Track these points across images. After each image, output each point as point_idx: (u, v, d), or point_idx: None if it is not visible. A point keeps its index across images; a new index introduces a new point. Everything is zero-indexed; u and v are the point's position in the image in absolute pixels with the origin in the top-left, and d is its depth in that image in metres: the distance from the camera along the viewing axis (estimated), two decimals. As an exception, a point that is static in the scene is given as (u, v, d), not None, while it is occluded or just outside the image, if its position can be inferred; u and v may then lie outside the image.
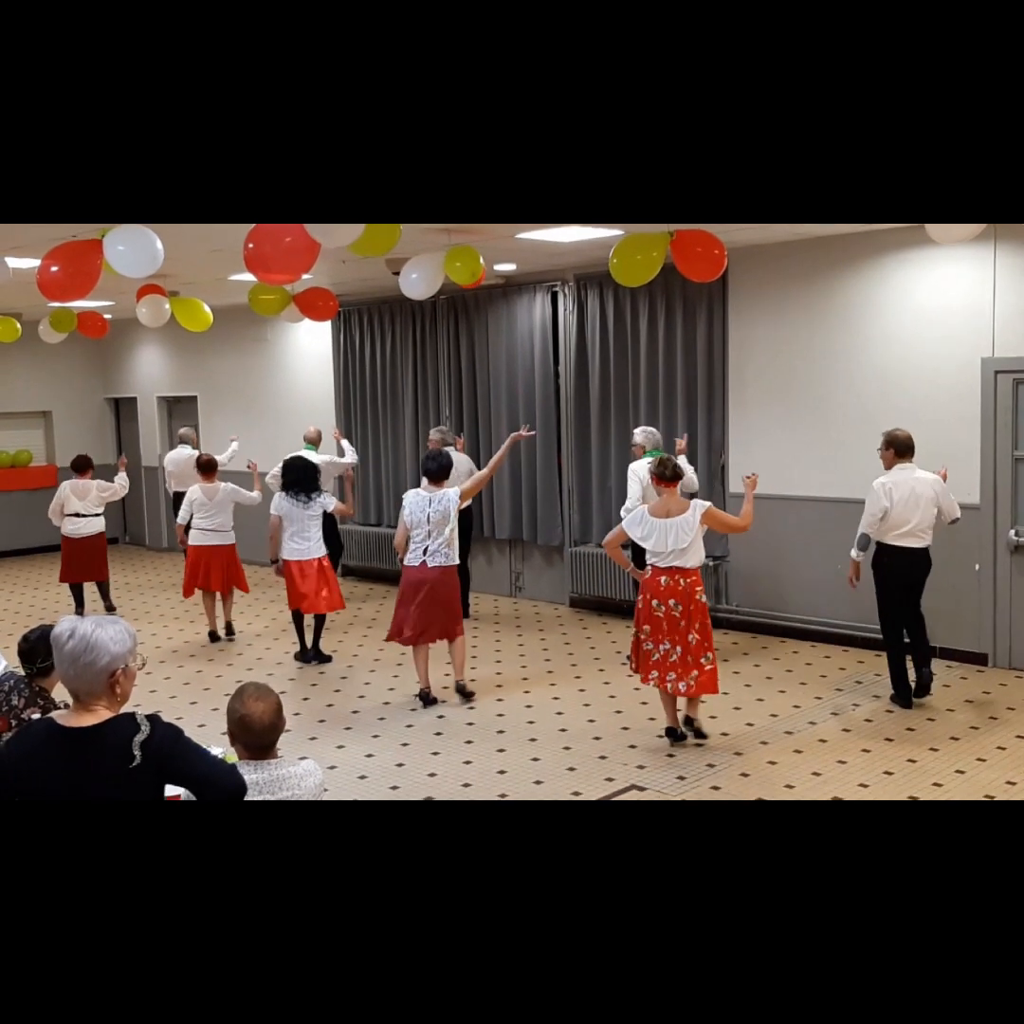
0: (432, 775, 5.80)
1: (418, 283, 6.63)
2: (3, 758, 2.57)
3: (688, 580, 5.88)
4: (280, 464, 8.27)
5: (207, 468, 8.91)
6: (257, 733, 3.04)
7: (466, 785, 5.63)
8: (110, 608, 10.01)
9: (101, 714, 2.53)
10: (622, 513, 7.24)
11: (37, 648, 4.18)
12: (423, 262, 6.63)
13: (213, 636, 8.92)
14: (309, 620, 8.27)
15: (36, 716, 3.74)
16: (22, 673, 4.25)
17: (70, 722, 2.52)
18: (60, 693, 4.38)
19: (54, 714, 2.59)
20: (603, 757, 5.97)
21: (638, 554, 6.63)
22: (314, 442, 9.69)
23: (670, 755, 5.96)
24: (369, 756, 6.12)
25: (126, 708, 2.62)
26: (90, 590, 10.00)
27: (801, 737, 6.20)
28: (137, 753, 2.45)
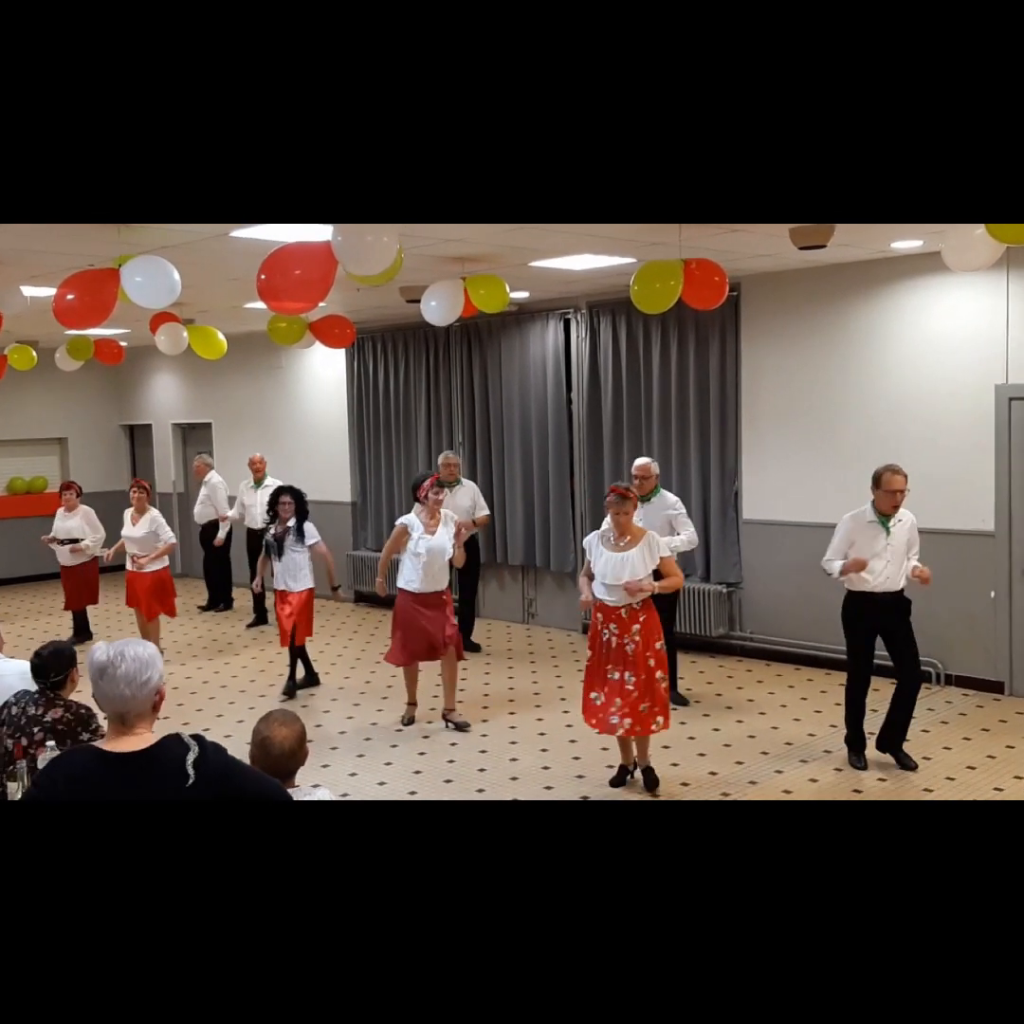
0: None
1: (438, 310, 6.70)
2: (50, 786, 2.43)
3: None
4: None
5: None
6: (275, 758, 3.07)
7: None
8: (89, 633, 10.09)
9: (146, 736, 2.45)
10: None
11: (48, 663, 4.16)
12: (442, 289, 6.68)
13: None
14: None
15: (56, 724, 3.73)
16: (35, 689, 4.22)
17: (118, 747, 2.42)
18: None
19: (97, 743, 2.51)
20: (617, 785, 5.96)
21: None
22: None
23: (685, 784, 5.93)
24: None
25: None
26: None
27: (817, 765, 6.16)
28: (191, 772, 2.38)
